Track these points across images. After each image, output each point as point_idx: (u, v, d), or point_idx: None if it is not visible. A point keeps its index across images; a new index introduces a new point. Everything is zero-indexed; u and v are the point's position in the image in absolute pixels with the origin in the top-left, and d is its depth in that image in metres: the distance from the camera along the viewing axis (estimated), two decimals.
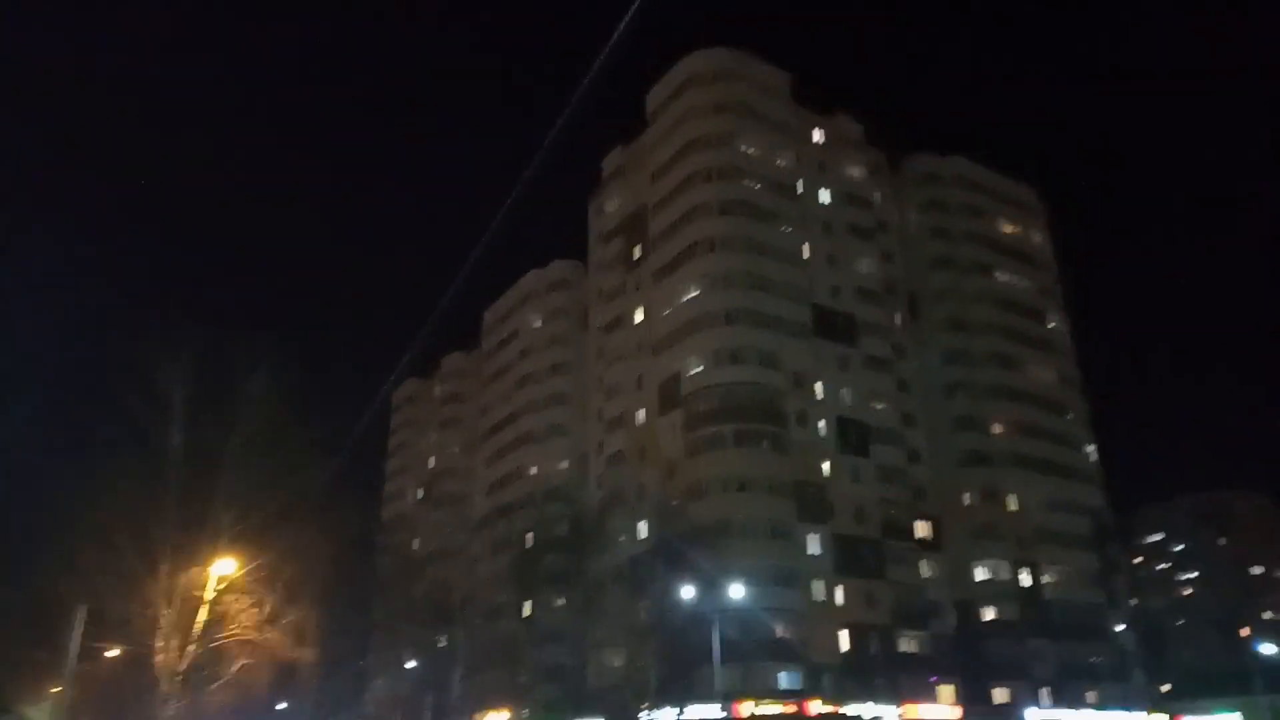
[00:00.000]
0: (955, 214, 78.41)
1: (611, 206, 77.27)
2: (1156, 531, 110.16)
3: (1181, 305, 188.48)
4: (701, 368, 63.08)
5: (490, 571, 74.88)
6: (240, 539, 29.10)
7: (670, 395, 64.14)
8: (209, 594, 28.56)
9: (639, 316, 70.50)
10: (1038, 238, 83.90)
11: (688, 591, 44.51)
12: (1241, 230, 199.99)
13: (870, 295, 70.35)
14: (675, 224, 67.18)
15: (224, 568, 27.88)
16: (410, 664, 67.58)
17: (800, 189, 69.81)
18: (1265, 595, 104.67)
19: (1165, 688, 73.83)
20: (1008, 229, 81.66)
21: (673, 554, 51.73)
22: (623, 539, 61.23)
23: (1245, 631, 74.59)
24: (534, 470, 78.49)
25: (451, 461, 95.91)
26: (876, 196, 75.54)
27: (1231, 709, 65.94)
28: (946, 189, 79.34)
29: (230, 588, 29.19)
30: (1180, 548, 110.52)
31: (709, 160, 66.62)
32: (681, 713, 49.37)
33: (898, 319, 72.79)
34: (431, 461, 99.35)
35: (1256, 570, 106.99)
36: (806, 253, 67.87)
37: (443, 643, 70.36)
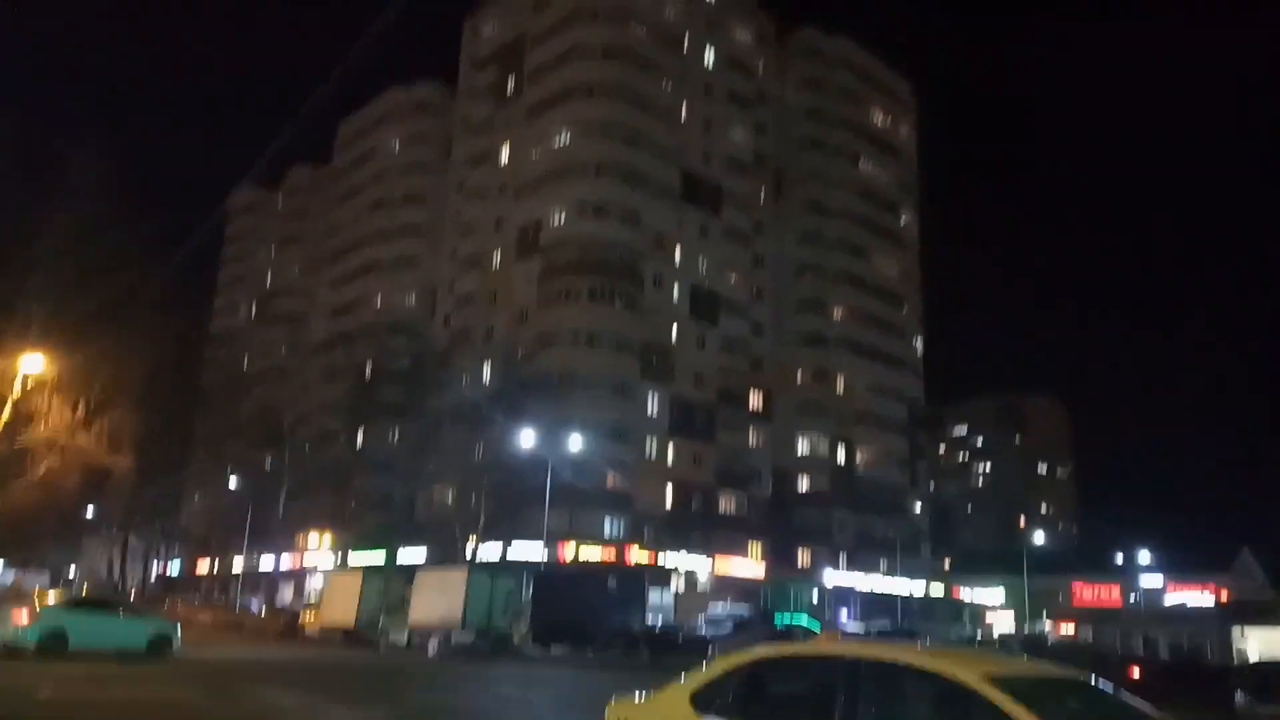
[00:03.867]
0: (833, 96, 78.42)
1: (489, 31, 73.04)
2: (962, 424, 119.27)
3: (1019, 226, 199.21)
4: (564, 217, 62.00)
5: (324, 397, 73.24)
6: (53, 335, 26.92)
7: (530, 241, 62.95)
8: (15, 391, 26.45)
9: (505, 154, 68.05)
10: (906, 131, 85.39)
11: (526, 436, 44.92)
12: (1092, 168, 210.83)
13: (739, 166, 70.34)
14: (554, 61, 64.34)
15: (32, 364, 25.73)
16: (232, 482, 66.02)
17: (686, 45, 67.95)
18: (1044, 491, 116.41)
19: (948, 563, 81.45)
20: (879, 118, 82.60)
21: (515, 398, 51.89)
22: (466, 379, 60.87)
23: (1022, 521, 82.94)
24: (379, 300, 76.09)
25: (290, 280, 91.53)
26: (760, 65, 74.58)
27: (999, 585, 73.71)
28: (829, 69, 78.97)
29: (39, 386, 27.13)
30: (980, 441, 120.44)
31: None
32: (507, 546, 50.68)
33: (762, 194, 73.34)
34: (269, 278, 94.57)
35: (1041, 468, 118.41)
36: (684, 114, 66.73)
37: (268, 464, 68.94)
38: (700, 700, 6.02)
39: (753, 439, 68.13)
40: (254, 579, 68.62)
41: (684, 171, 65.54)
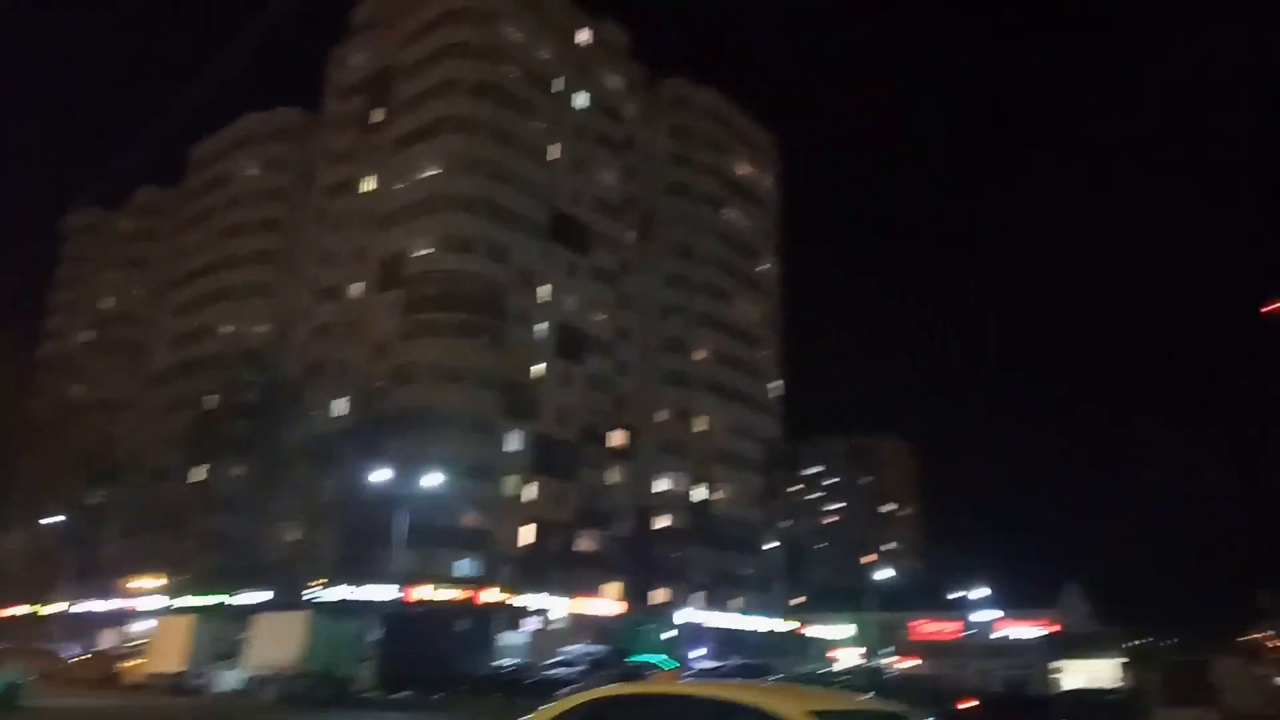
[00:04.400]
0: (699, 144, 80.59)
1: (356, 60, 71.85)
2: (816, 464, 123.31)
3: (875, 272, 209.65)
4: (431, 250, 61.25)
5: (163, 430, 69.24)
6: None
7: (392, 273, 61.79)
8: None
9: (370, 185, 66.81)
10: (768, 181, 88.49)
11: (379, 474, 43.73)
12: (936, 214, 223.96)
13: (608, 208, 71.31)
14: (424, 94, 63.88)
15: None
16: (56, 518, 61.39)
17: (557, 88, 68.74)
18: (889, 528, 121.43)
19: (800, 600, 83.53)
20: (743, 168, 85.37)
21: (369, 435, 50.53)
22: (318, 413, 58.89)
23: (870, 558, 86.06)
24: (229, 329, 72.81)
25: (132, 305, 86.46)
26: (630, 111, 76.12)
27: (848, 621, 76.12)
28: (695, 118, 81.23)
29: None
30: (832, 480, 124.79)
31: (469, 35, 63.70)
32: (356, 587, 48.98)
33: (630, 236, 74.48)
34: (110, 302, 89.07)
35: (888, 507, 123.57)
36: (553, 154, 67.31)
37: (96, 499, 64.52)
38: None
39: (614, 477, 68.38)
40: (73, 623, 63.74)
41: (553, 210, 65.91)
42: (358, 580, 48.78)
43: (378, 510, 44.92)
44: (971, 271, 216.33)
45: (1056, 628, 61.72)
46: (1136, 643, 45.61)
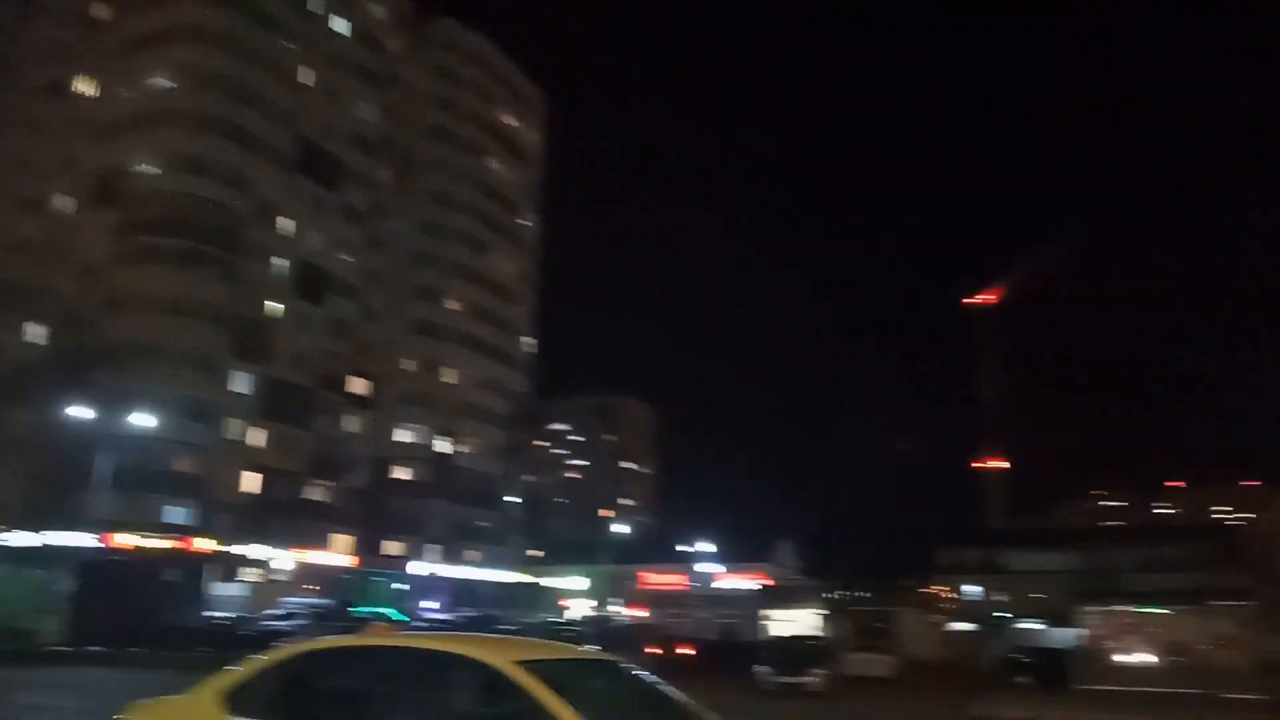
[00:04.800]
0: (465, 90, 78.57)
1: None
2: (561, 421, 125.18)
3: (632, 236, 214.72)
4: (156, 169, 55.58)
5: None
6: None
7: (109, 190, 55.51)
8: None
9: (89, 88, 59.45)
10: (534, 136, 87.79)
11: (82, 410, 39.40)
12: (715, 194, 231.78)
13: (363, 145, 67.87)
14: None
15: None
16: None
17: (314, 7, 64.25)
18: (628, 485, 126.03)
19: (538, 553, 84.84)
20: (509, 119, 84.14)
21: (72, 367, 45.37)
22: (8, 338, 52.12)
23: (607, 513, 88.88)
24: None
25: None
26: (395, 46, 72.59)
27: (582, 574, 78.27)
28: (463, 63, 79.01)
29: None
30: (577, 438, 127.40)
31: None
32: (47, 534, 44.07)
33: (386, 176, 71.36)
34: None
35: (627, 465, 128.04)
36: (306, 80, 62.97)
37: None
38: (235, 700, 5.68)
39: (353, 426, 65.92)
40: None
41: (301, 139, 61.78)
42: (48, 526, 43.91)
43: (78, 450, 40.51)
44: (722, 250, 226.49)
45: (770, 580, 66.70)
46: (836, 595, 50.28)
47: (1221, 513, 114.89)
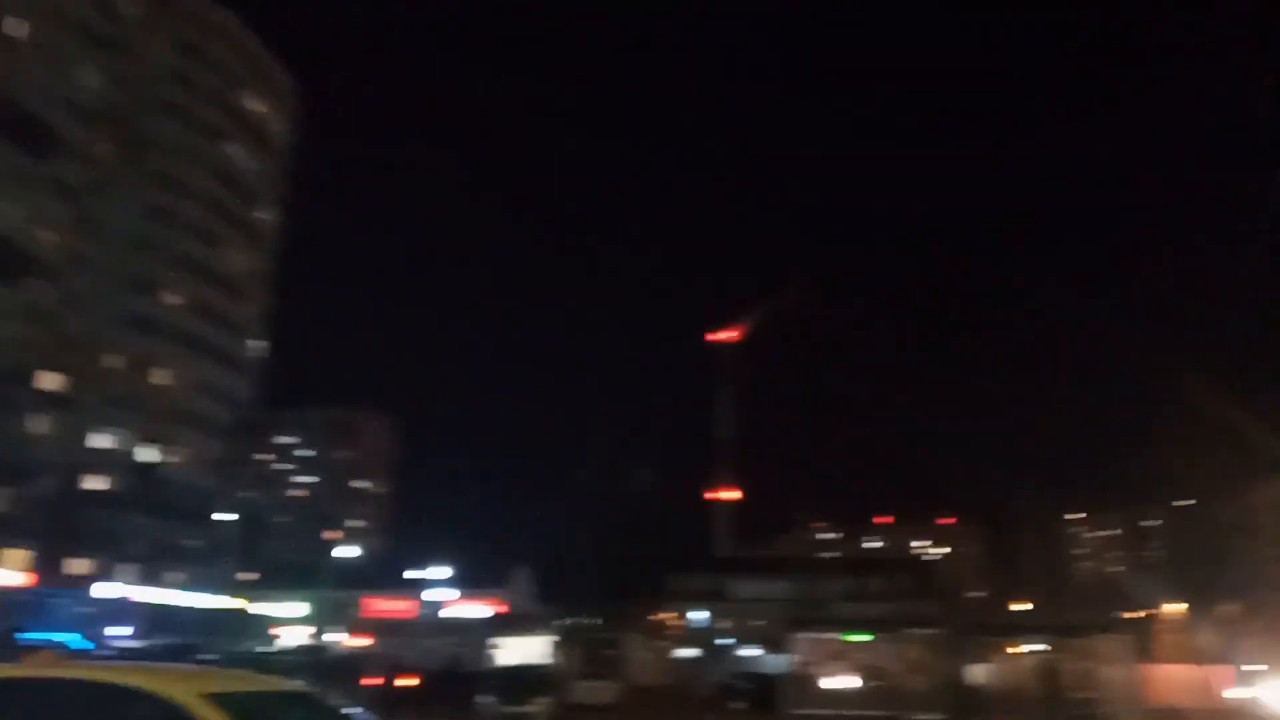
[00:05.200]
0: (207, 68, 72.87)
1: None
2: (291, 433, 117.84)
3: (377, 241, 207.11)
4: None
5: None
6: None
7: None
8: None
9: None
10: (281, 126, 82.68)
11: None
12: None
13: (84, 115, 60.80)
14: None
15: None
16: None
17: None
18: (360, 505, 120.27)
19: (252, 576, 78.76)
20: (255, 105, 78.78)
21: None
22: None
23: (335, 534, 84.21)
24: None
25: None
26: (131, 13, 65.86)
27: (303, 599, 73.42)
28: (208, 39, 73.27)
29: None
30: (306, 452, 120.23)
31: None
32: None
33: (107, 152, 64.19)
34: None
35: (360, 484, 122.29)
36: (16, 32, 55.60)
37: None
38: None
39: (40, 427, 58.19)
40: None
41: (9, 102, 54.33)
42: None
43: None
44: (473, 269, 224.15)
45: (502, 607, 65.66)
46: (568, 622, 50.20)
47: (920, 547, 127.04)
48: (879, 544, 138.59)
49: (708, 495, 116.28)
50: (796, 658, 34.02)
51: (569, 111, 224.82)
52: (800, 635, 34.94)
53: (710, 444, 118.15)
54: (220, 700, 4.88)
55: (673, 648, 59.49)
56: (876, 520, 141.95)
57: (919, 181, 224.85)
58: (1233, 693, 37.79)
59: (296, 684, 6.64)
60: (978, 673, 32.31)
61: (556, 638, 41.18)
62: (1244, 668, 42.93)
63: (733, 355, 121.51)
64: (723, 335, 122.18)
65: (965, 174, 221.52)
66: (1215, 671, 38.98)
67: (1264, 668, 44.91)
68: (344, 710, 5.94)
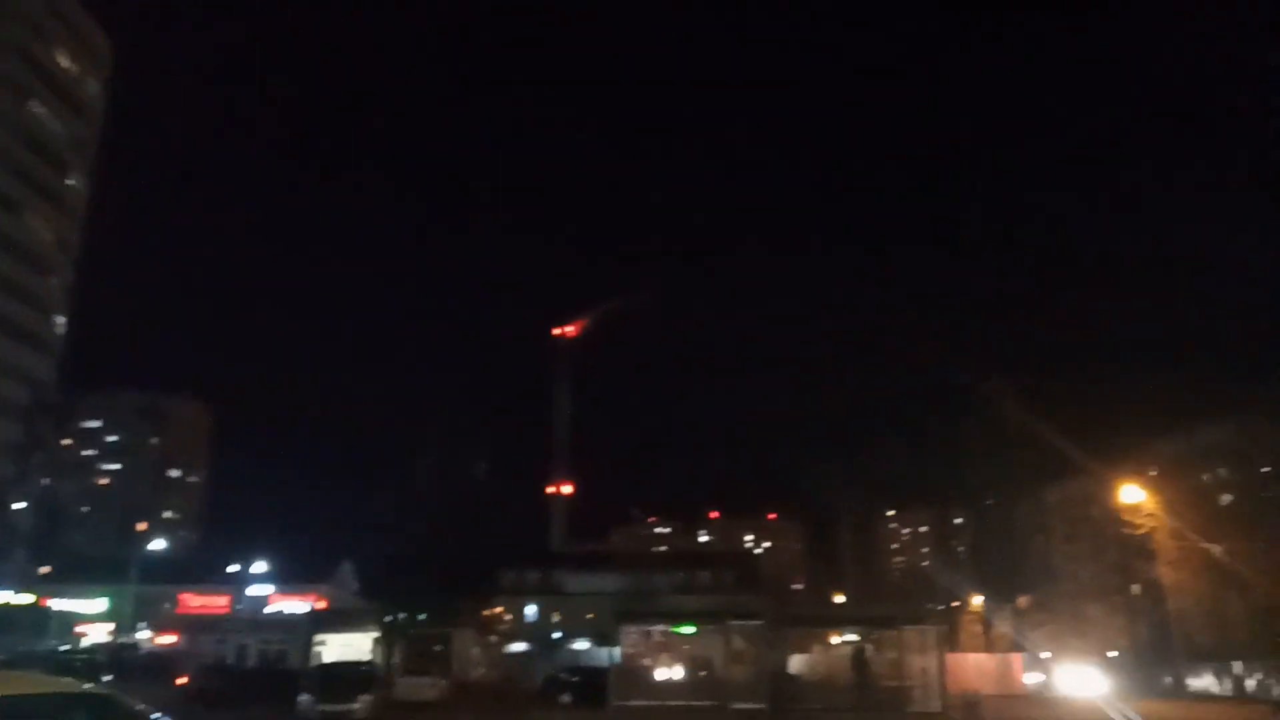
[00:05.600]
0: (16, 22, 66.97)
1: None
2: (96, 418, 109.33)
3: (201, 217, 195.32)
4: None
5: None
6: None
7: None
8: None
9: None
10: (95, 88, 76.65)
11: None
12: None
13: None
14: None
15: None
16: None
17: None
18: (172, 495, 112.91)
19: (48, 569, 72.83)
20: (66, 64, 72.70)
21: None
22: None
23: (143, 526, 78.66)
24: None
25: None
26: None
27: (105, 595, 68.33)
28: None
29: None
30: (114, 438, 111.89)
31: None
32: None
33: None
34: None
35: (173, 473, 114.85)
36: None
37: None
38: None
39: None
40: None
41: None
42: None
43: None
44: (303, 251, 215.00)
45: (325, 603, 63.29)
46: (392, 618, 48.87)
47: (749, 542, 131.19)
48: (710, 538, 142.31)
49: (545, 489, 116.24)
50: (626, 650, 34.46)
51: (409, 68, 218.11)
52: (629, 628, 35.40)
53: (546, 438, 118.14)
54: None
55: (503, 643, 59.04)
56: (710, 515, 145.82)
57: (771, 188, 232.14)
58: (1029, 678, 40.98)
59: (91, 685, 6.47)
60: (796, 662, 33.68)
61: (378, 634, 40.03)
62: (1036, 655, 46.64)
63: (571, 350, 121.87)
64: (562, 330, 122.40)
65: (813, 183, 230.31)
66: (1012, 659, 42.20)
67: (1050, 655, 48.89)
68: (140, 710, 5.82)
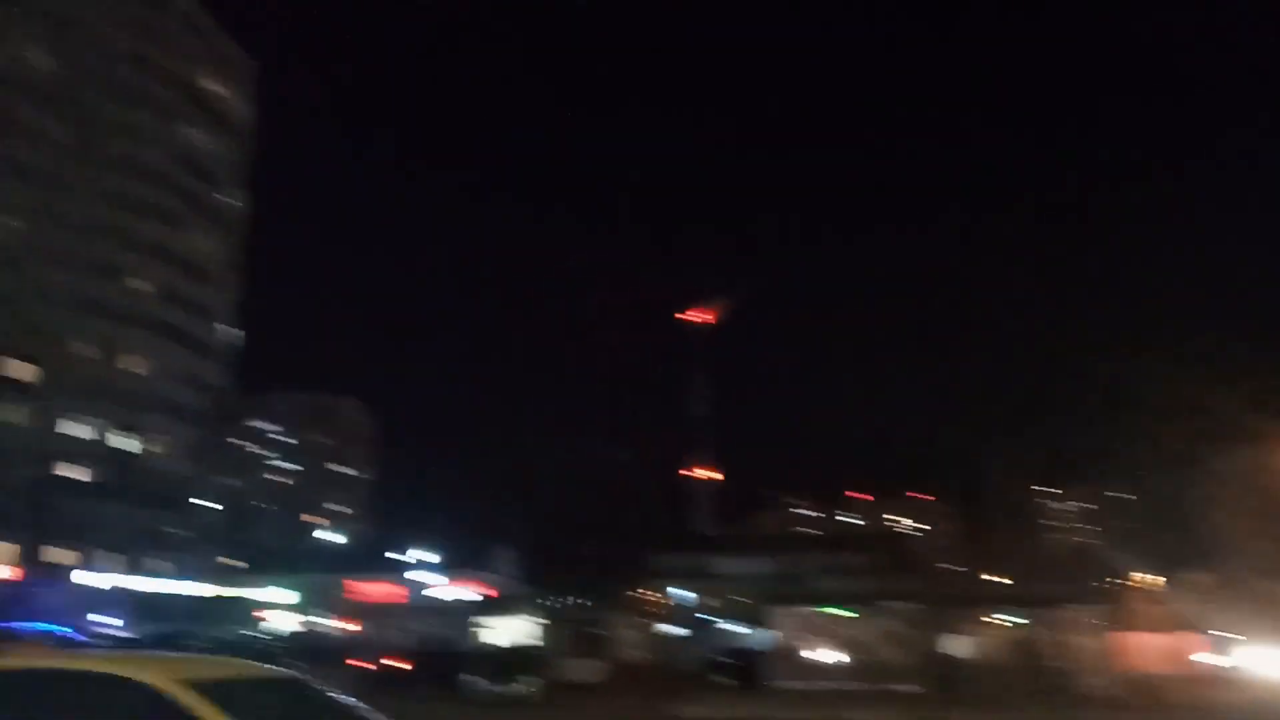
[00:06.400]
0: (166, 50, 71.62)
1: None
2: (269, 419, 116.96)
3: (354, 228, 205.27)
4: None
5: None
6: None
7: None
8: None
9: None
10: (245, 109, 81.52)
11: None
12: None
13: (34, 92, 60.34)
14: None
15: None
16: None
17: None
18: (343, 490, 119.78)
19: (238, 563, 78.61)
20: (216, 88, 77.65)
21: None
22: None
23: (319, 520, 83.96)
24: None
25: None
26: None
27: (290, 586, 73.39)
28: (166, 20, 72.18)
29: None
30: (288, 439, 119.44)
31: None
32: None
33: (64, 135, 63.43)
34: None
35: (343, 469, 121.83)
36: None
37: None
38: None
39: (9, 416, 57.81)
40: None
41: None
42: None
43: None
44: (449, 252, 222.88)
45: (488, 590, 66.03)
46: (555, 603, 50.74)
47: (894, 522, 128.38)
48: (855, 520, 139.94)
49: (684, 473, 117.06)
50: (778, 633, 34.72)
51: (540, 87, 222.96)
52: (781, 611, 35.62)
53: (685, 423, 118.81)
54: (202, 686, 4.90)
55: (656, 625, 60.10)
56: (851, 495, 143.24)
57: (902, 167, 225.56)
58: (1202, 657, 38.77)
59: (283, 670, 6.60)
60: (955, 645, 33.14)
61: (542, 618, 41.62)
62: (1217, 635, 43.94)
63: (707, 334, 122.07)
64: (697, 314, 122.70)
65: (945, 160, 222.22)
66: (1186, 639, 40.06)
67: (1240, 637, 45.98)
68: (331, 695, 5.87)
